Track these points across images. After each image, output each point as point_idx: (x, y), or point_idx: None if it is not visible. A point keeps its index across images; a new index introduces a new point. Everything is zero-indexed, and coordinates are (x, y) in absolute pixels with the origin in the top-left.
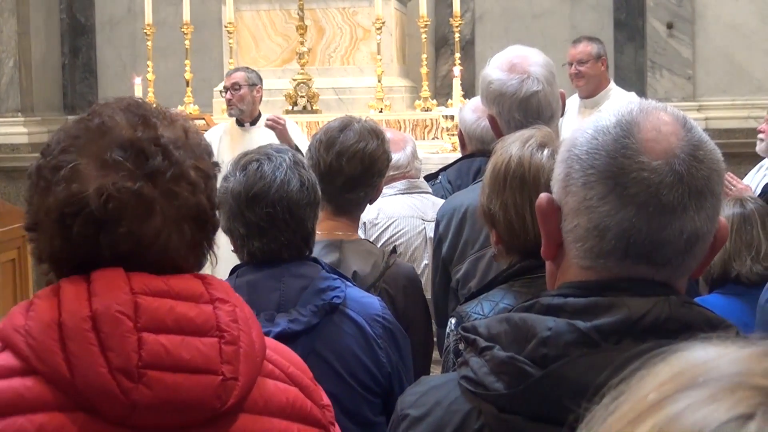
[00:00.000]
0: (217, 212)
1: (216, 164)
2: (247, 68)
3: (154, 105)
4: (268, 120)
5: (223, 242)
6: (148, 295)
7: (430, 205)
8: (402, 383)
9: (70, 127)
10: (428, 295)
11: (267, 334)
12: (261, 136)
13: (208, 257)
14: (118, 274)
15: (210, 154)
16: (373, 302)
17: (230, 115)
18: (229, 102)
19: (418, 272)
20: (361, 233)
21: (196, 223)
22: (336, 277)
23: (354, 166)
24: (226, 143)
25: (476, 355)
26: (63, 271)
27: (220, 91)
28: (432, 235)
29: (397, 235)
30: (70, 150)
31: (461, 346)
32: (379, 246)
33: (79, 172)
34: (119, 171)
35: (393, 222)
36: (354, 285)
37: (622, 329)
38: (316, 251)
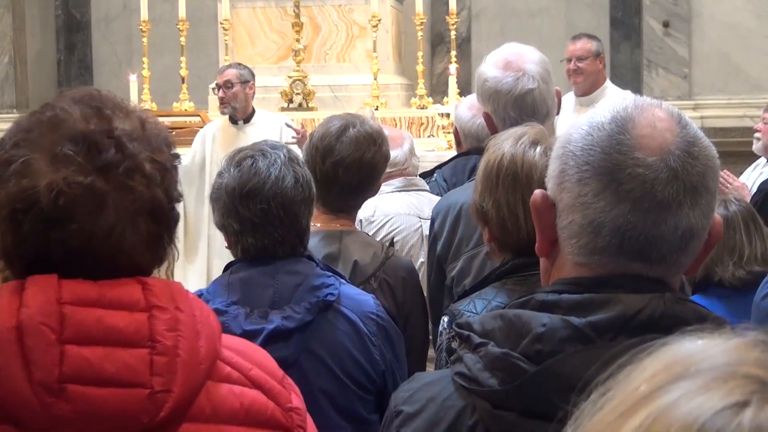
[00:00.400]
0: (176, 206)
1: (177, 156)
2: (239, 65)
3: (113, 97)
4: (295, 134)
5: (218, 238)
6: (77, 305)
7: (427, 202)
8: (396, 380)
9: (23, 120)
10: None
11: (260, 331)
12: (255, 134)
13: (170, 252)
14: (50, 281)
15: (169, 145)
16: (368, 300)
17: (223, 113)
18: (222, 100)
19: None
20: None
21: (152, 217)
22: (330, 274)
23: (351, 176)
24: (219, 141)
25: (470, 351)
26: (16, 268)
27: (213, 89)
28: (428, 233)
29: (394, 232)
30: (22, 144)
31: (454, 344)
32: None
33: (30, 167)
34: (70, 165)
35: (389, 220)
36: (348, 282)
37: (616, 325)
38: (315, 242)
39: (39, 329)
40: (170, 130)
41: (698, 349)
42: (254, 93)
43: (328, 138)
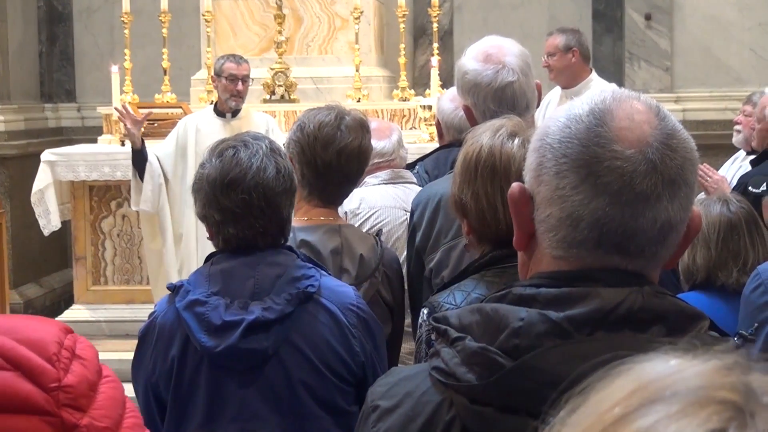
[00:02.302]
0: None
1: None
2: (245, 58)
3: None
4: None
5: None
6: None
7: (413, 195)
8: (376, 372)
9: None
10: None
11: (240, 321)
12: (244, 129)
13: None
14: None
15: None
16: (348, 291)
17: (233, 107)
18: (239, 93)
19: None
20: None
21: None
22: (311, 266)
23: (352, 164)
24: (207, 133)
25: (447, 345)
26: None
27: (215, 77)
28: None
29: (379, 225)
30: None
31: (433, 337)
32: None
33: None
34: None
35: (375, 212)
36: (329, 274)
37: (594, 319)
38: (319, 236)
39: None
40: (152, 122)
41: (672, 371)
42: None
43: (327, 127)
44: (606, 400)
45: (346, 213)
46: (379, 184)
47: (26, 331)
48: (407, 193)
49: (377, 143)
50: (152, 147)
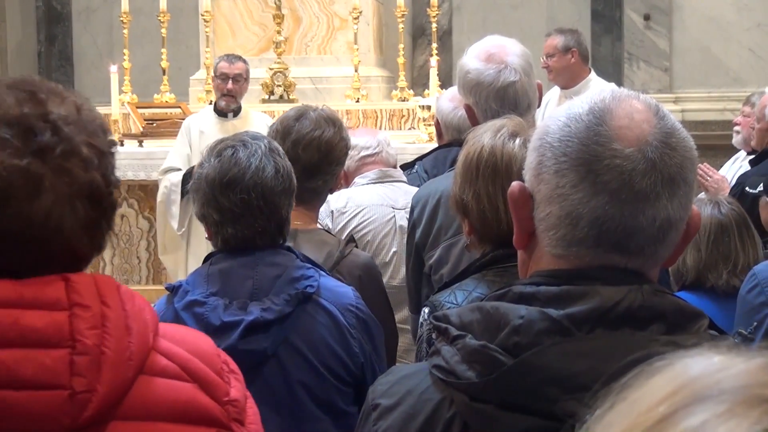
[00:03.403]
0: (114, 191)
1: (113, 143)
2: (243, 58)
3: (48, 83)
4: None
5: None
6: None
7: (401, 193)
8: (375, 373)
9: None
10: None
11: (239, 322)
12: (248, 128)
13: (108, 239)
14: None
15: (105, 131)
16: (347, 292)
17: (228, 108)
18: (230, 92)
19: (387, 260)
20: (328, 221)
21: (90, 201)
22: (310, 266)
23: (311, 155)
24: (207, 133)
25: (448, 344)
26: None
27: (213, 77)
28: (402, 223)
29: (366, 222)
30: None
31: (434, 335)
32: (346, 233)
33: None
34: (6, 148)
35: (361, 210)
36: (328, 274)
37: (594, 317)
38: None
39: None
40: (151, 122)
41: (716, 368)
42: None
43: (287, 120)
44: (646, 398)
45: (332, 212)
46: (367, 183)
47: (194, 342)
48: (395, 191)
49: (361, 139)
50: (172, 161)
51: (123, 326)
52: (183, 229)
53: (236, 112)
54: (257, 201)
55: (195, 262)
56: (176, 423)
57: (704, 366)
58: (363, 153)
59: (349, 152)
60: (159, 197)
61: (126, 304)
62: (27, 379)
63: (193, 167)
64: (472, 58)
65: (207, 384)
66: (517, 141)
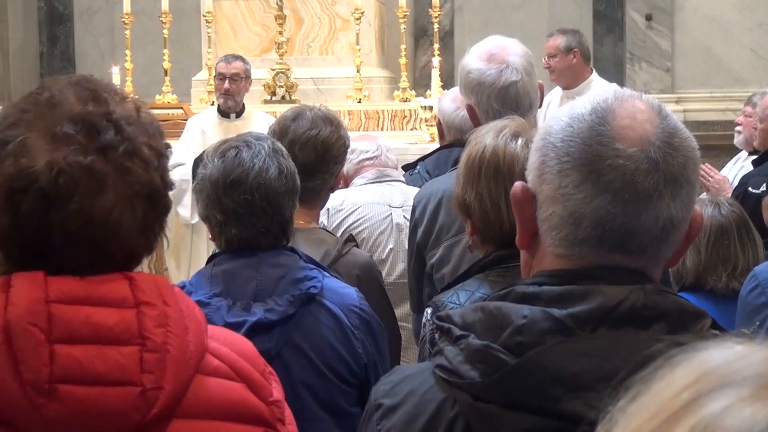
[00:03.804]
0: (169, 193)
1: (168, 145)
2: (243, 58)
3: (108, 82)
4: None
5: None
6: (65, 303)
7: (398, 192)
8: (378, 374)
9: (18, 102)
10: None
11: (243, 323)
12: (249, 129)
13: (160, 241)
14: (36, 279)
15: (162, 134)
16: (350, 293)
17: (226, 107)
18: (227, 92)
19: (383, 257)
20: (324, 219)
21: (148, 201)
22: (313, 267)
23: (307, 154)
24: (211, 134)
25: (451, 343)
26: (11, 252)
27: (212, 78)
28: (399, 221)
29: (361, 220)
30: (19, 124)
31: (437, 336)
32: (342, 230)
33: (27, 147)
34: (70, 145)
35: (357, 208)
36: (332, 275)
37: (597, 317)
38: None
39: (28, 329)
40: None
41: (739, 356)
42: (250, 87)
43: (284, 121)
44: (670, 387)
45: (328, 209)
46: (365, 184)
47: (238, 343)
48: (392, 190)
49: (361, 143)
50: (178, 157)
51: (182, 325)
52: (197, 219)
53: (239, 112)
54: (261, 202)
55: (196, 265)
56: (230, 422)
57: (726, 354)
58: (362, 156)
59: (349, 156)
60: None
61: (181, 304)
62: (100, 375)
63: (201, 156)
64: (474, 59)
65: (254, 384)
66: (520, 141)
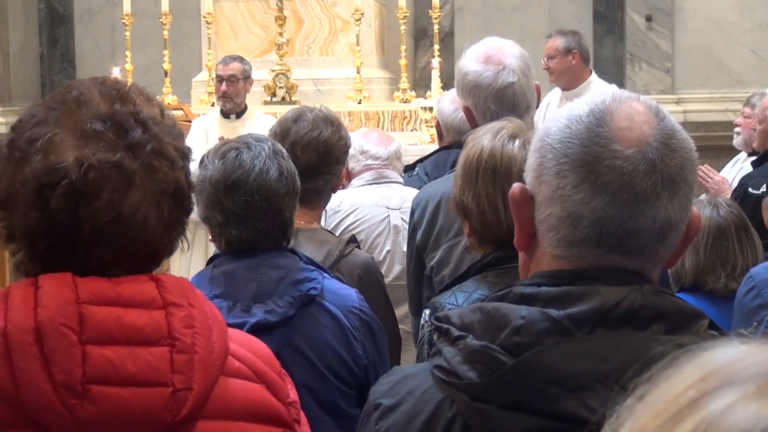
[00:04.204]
0: (192, 194)
1: (190, 149)
2: (242, 59)
3: (134, 84)
4: None
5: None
6: (95, 304)
7: (396, 193)
8: (378, 375)
9: (45, 100)
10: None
11: (243, 324)
12: (251, 130)
13: (181, 242)
14: (65, 280)
15: (183, 137)
16: (350, 294)
17: (224, 108)
18: (224, 94)
19: (380, 258)
20: (321, 220)
21: (174, 200)
22: (313, 268)
23: (309, 156)
24: (213, 135)
25: (449, 344)
26: (37, 248)
27: (212, 79)
28: (396, 222)
29: (359, 221)
30: (47, 121)
31: (435, 337)
32: (339, 232)
33: (56, 143)
34: (99, 141)
35: (355, 209)
36: (332, 276)
37: (595, 317)
38: None
39: (60, 330)
40: None
41: (744, 355)
42: (251, 88)
43: (285, 122)
44: (676, 386)
45: (326, 210)
46: (363, 185)
47: (255, 345)
48: (390, 191)
49: (373, 147)
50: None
51: (207, 327)
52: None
53: (240, 113)
54: (261, 203)
55: (196, 266)
56: (252, 422)
57: (731, 354)
58: (370, 161)
59: (358, 155)
60: None
61: (204, 306)
62: (131, 375)
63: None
64: (470, 60)
65: (272, 385)
66: (517, 142)
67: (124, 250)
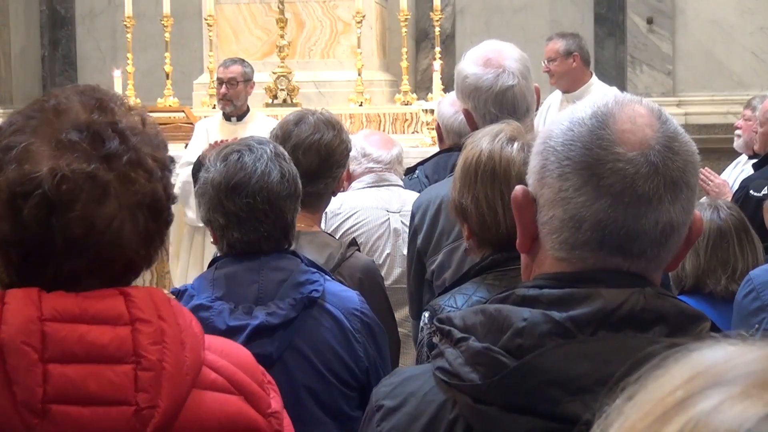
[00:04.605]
0: (171, 206)
1: (172, 159)
2: (243, 61)
3: (114, 93)
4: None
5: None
6: (58, 321)
7: (396, 196)
8: (379, 377)
9: (24, 109)
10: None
11: (244, 327)
12: (253, 132)
13: (160, 254)
14: (30, 296)
15: (166, 147)
16: (352, 296)
17: (224, 111)
18: (224, 96)
19: (380, 261)
20: (321, 223)
21: (150, 212)
22: (315, 270)
23: (311, 159)
24: (214, 137)
25: (451, 346)
26: (11, 258)
27: (213, 81)
28: (396, 225)
29: (359, 224)
30: (24, 130)
31: (435, 339)
32: (339, 234)
33: (31, 153)
34: (74, 152)
35: (355, 212)
36: (333, 279)
37: (597, 320)
38: None
39: (21, 349)
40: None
41: (732, 356)
42: (252, 90)
43: (287, 125)
44: (664, 386)
45: (326, 213)
46: (363, 188)
47: (237, 354)
48: (390, 194)
49: (376, 150)
50: (189, 156)
51: (179, 341)
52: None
53: (241, 115)
54: (263, 205)
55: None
56: None
57: (719, 354)
58: (372, 165)
59: (360, 158)
60: (176, 191)
61: (178, 318)
62: (93, 394)
63: (198, 159)
64: (470, 63)
65: (252, 396)
66: (515, 145)
67: (98, 262)
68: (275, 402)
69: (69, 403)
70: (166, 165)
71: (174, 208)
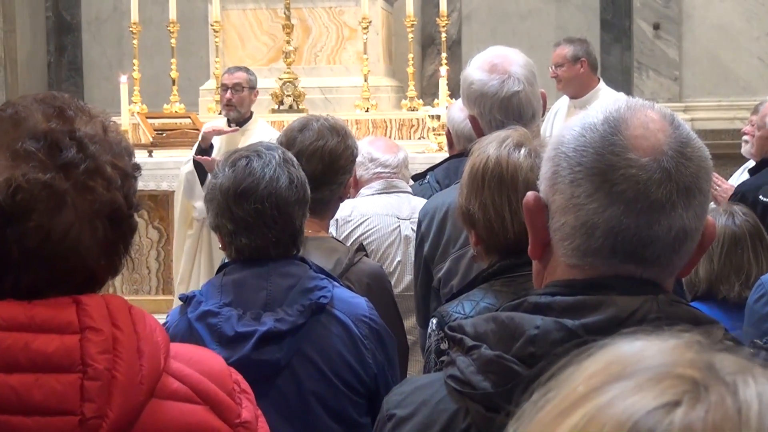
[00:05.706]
0: (135, 214)
1: (137, 166)
2: (247, 69)
3: (76, 101)
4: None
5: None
6: (4, 330)
7: (406, 203)
8: (388, 384)
9: None
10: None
11: (252, 333)
12: (252, 138)
13: (124, 262)
14: None
15: (130, 154)
16: (360, 303)
17: (228, 116)
18: (228, 101)
19: (391, 269)
20: (333, 230)
21: (110, 221)
22: (323, 276)
23: (314, 165)
24: (217, 140)
25: (463, 354)
26: None
27: (217, 87)
28: (407, 233)
29: (370, 232)
30: None
31: (443, 346)
32: (350, 241)
33: None
34: (30, 162)
35: (366, 219)
36: (341, 285)
37: (610, 327)
38: None
39: None
40: (160, 132)
41: (635, 350)
42: (256, 98)
43: (291, 132)
44: (573, 380)
45: (337, 220)
46: (372, 194)
47: (205, 362)
48: (400, 201)
49: (382, 155)
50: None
51: (134, 349)
52: (196, 209)
53: (242, 122)
54: (271, 211)
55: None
56: None
57: (625, 350)
58: (380, 169)
59: (367, 163)
60: (181, 187)
61: (137, 326)
62: (37, 404)
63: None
64: (476, 69)
65: (218, 406)
66: (522, 151)
67: (56, 273)
68: (246, 411)
69: (12, 413)
70: (128, 173)
71: (175, 208)
